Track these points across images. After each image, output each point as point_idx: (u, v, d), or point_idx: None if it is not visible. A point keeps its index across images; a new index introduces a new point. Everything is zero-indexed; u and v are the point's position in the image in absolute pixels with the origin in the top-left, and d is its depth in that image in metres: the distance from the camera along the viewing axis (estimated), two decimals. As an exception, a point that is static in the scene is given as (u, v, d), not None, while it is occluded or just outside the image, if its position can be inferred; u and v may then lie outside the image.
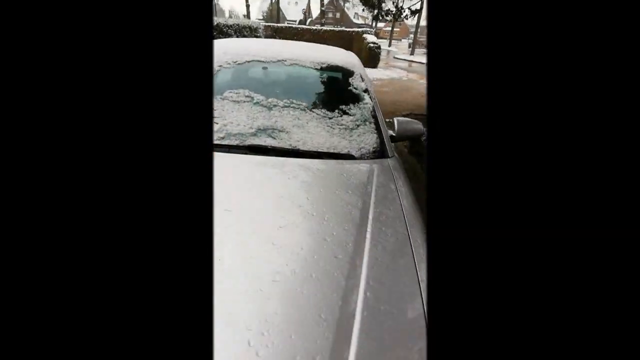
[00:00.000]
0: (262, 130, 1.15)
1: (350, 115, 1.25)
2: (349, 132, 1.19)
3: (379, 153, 1.16)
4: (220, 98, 1.25)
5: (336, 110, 1.26)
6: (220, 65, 1.38)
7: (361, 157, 1.12)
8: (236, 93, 1.27)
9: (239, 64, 1.41)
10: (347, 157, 1.11)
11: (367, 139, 1.18)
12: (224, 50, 1.46)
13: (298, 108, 1.24)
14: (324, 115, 1.23)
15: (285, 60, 1.40)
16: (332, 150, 1.11)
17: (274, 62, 1.40)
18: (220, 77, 1.37)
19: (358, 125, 1.22)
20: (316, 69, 1.40)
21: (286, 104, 1.25)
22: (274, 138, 1.13)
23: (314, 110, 1.24)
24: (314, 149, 1.10)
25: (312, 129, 1.18)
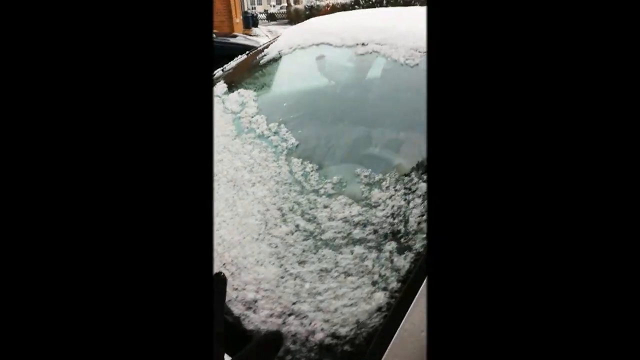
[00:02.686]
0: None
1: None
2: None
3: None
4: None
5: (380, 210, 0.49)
6: (279, 51, 0.91)
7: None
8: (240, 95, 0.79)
9: (301, 48, 0.87)
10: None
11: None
12: (307, 28, 0.96)
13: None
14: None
15: (366, 45, 0.71)
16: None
17: (347, 46, 0.75)
18: (268, 68, 0.91)
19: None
20: (410, 65, 0.61)
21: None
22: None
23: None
24: None
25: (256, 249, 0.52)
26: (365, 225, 0.43)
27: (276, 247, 0.46)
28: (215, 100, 0.84)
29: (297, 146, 0.58)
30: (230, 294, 0.45)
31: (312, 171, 0.52)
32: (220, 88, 0.90)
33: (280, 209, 0.50)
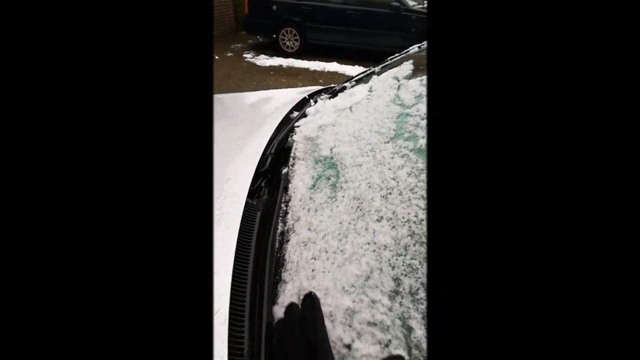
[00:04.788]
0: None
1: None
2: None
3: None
4: None
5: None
6: None
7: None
8: None
9: None
10: None
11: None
12: None
13: None
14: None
15: None
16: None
17: None
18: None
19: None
20: None
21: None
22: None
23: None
24: None
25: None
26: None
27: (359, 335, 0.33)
28: (392, 83, 0.66)
29: None
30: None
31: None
32: (404, 69, 0.68)
33: (396, 281, 0.33)
